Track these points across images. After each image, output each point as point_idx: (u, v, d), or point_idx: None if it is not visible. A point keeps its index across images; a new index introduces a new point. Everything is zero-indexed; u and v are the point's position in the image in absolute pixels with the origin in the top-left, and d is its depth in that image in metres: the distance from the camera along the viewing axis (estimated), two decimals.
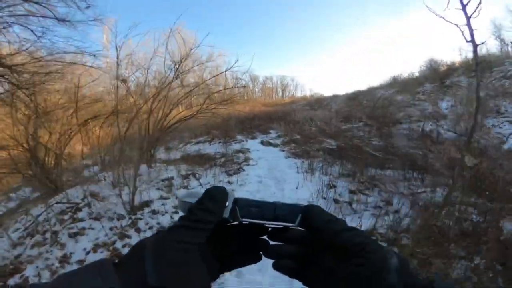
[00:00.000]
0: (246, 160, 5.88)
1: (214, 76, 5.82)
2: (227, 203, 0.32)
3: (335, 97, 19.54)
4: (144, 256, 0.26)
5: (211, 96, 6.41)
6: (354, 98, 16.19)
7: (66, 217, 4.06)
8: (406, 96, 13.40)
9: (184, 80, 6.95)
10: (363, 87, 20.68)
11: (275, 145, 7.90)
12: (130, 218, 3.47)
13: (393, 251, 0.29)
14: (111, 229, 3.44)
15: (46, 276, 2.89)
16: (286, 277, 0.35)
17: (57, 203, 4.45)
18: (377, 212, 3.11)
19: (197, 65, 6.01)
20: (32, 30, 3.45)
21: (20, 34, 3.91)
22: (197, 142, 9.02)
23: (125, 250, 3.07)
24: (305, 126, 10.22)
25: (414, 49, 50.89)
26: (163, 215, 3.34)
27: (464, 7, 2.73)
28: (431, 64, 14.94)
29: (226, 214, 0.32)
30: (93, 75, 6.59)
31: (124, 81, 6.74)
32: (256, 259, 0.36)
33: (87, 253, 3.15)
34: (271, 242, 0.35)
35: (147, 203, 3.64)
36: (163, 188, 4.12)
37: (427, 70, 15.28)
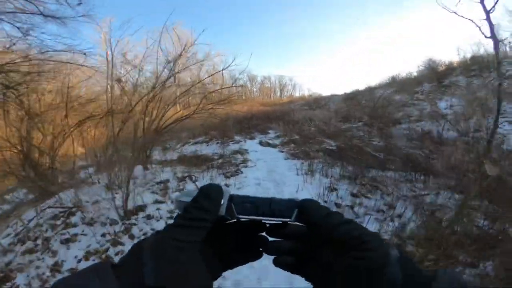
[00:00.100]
0: (244, 161, 5.75)
1: (211, 75, 5.67)
2: (222, 201, 0.31)
3: (333, 96, 19.49)
4: (142, 257, 0.26)
5: (209, 96, 6.25)
6: (353, 97, 16.15)
7: (58, 222, 3.93)
8: (404, 96, 13.36)
9: (181, 79, 6.81)
10: (361, 87, 20.66)
11: (274, 146, 7.78)
12: (123, 223, 3.34)
13: (392, 242, 0.29)
14: (103, 235, 3.30)
15: (36, 286, 2.78)
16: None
17: (49, 207, 4.31)
18: (380, 216, 3.00)
19: (194, 64, 5.86)
20: (18, 28, 3.28)
21: (10, 32, 3.76)
22: (195, 143, 8.88)
23: (118, 258, 2.94)
24: (304, 126, 10.12)
25: (414, 49, 51.02)
26: (157, 220, 3.20)
27: (482, 0, 2.58)
28: (429, 64, 14.89)
29: (222, 211, 0.31)
30: (87, 75, 6.44)
31: (119, 80, 6.59)
32: (257, 256, 0.35)
33: (79, 261, 3.02)
34: (270, 239, 0.35)
35: (141, 208, 3.50)
36: (158, 192, 3.98)
37: (425, 70, 15.25)
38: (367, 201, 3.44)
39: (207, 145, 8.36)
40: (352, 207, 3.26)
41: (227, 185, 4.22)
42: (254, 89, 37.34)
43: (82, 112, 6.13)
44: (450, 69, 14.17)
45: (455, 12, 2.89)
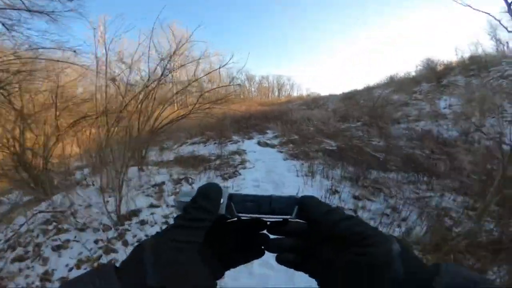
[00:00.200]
0: (243, 162, 5.62)
1: (208, 73, 5.51)
2: (222, 200, 0.31)
3: (331, 96, 19.46)
4: (143, 258, 0.26)
5: (207, 95, 6.08)
6: (351, 97, 16.12)
7: (50, 227, 3.78)
8: (403, 95, 13.33)
9: (176, 78, 6.65)
10: (359, 86, 20.64)
11: (272, 146, 7.66)
12: (116, 229, 3.19)
13: (394, 236, 0.28)
14: (96, 242, 3.15)
15: None
16: None
17: (40, 212, 4.15)
18: (385, 221, 2.89)
19: (190, 62, 5.69)
20: (3, 24, 3.11)
21: None
22: (192, 143, 8.73)
23: None
24: (303, 126, 10.02)
25: (414, 49, 51.14)
26: (152, 226, 3.05)
27: None
28: (428, 63, 14.88)
29: (222, 210, 0.31)
30: (80, 74, 6.27)
31: (114, 79, 6.42)
32: (259, 254, 0.35)
33: (70, 269, 2.88)
34: (272, 236, 0.35)
35: (135, 212, 3.35)
36: (153, 195, 3.83)
37: (423, 70, 15.24)
38: (370, 204, 3.33)
39: (205, 146, 8.22)
40: (355, 211, 3.15)
41: (224, 187, 4.06)
42: (252, 89, 37.29)
43: (77, 112, 5.99)
44: (449, 68, 14.16)
45: (469, 6, 2.75)
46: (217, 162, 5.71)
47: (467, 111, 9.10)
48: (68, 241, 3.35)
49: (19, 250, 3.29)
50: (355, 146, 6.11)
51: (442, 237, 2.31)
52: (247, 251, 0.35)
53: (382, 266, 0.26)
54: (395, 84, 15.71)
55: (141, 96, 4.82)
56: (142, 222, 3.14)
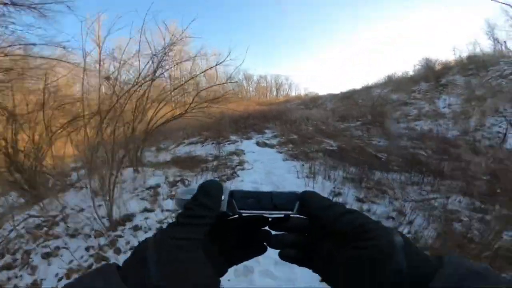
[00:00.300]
0: (241, 163, 5.46)
1: (204, 71, 5.30)
2: (223, 197, 0.31)
3: (330, 96, 19.41)
4: (146, 257, 0.26)
5: (203, 93, 5.88)
6: (349, 97, 16.08)
7: (40, 232, 3.60)
8: (401, 95, 13.28)
9: (173, 76, 6.46)
10: (357, 86, 20.59)
11: (271, 146, 7.51)
12: (108, 235, 3.01)
13: (396, 229, 0.28)
14: (87, 249, 2.98)
15: None
16: None
17: (30, 216, 3.96)
18: (391, 225, 2.75)
19: (186, 60, 5.50)
20: None
21: None
22: (190, 143, 8.56)
23: None
24: (302, 125, 9.90)
25: (414, 49, 51.35)
26: (146, 232, 2.88)
27: None
28: (426, 63, 14.85)
29: (224, 207, 0.31)
30: (73, 72, 6.08)
31: (108, 78, 6.23)
32: (261, 251, 0.35)
33: (60, 279, 2.71)
34: (274, 232, 0.34)
35: (128, 217, 3.18)
36: (148, 198, 3.65)
37: (422, 69, 15.20)
38: (375, 207, 3.19)
39: (202, 146, 8.05)
40: None
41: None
42: (250, 89, 37.17)
43: (71, 112, 5.82)
44: (447, 68, 14.14)
45: None
46: (215, 163, 5.55)
47: (467, 111, 9.05)
48: (58, 248, 3.18)
49: (8, 258, 3.13)
50: (356, 146, 5.99)
51: (458, 244, 2.17)
52: (249, 248, 0.35)
53: (384, 259, 0.25)
54: (393, 83, 15.67)
55: (134, 95, 4.63)
56: (136, 228, 2.97)
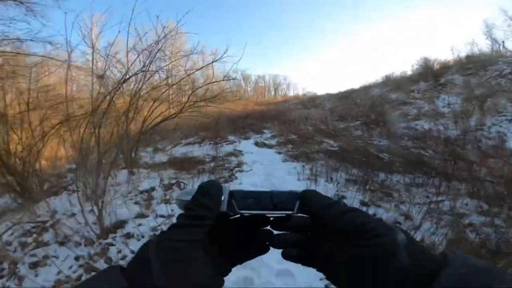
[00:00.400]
0: (239, 164, 5.28)
1: (200, 68, 5.09)
2: (223, 197, 0.31)
3: (328, 95, 19.34)
4: (146, 257, 0.26)
5: (199, 92, 5.65)
6: (347, 96, 16.03)
7: (29, 239, 3.39)
8: (400, 94, 13.20)
9: (168, 74, 6.26)
10: (355, 85, 20.54)
11: (270, 146, 7.36)
12: (99, 243, 2.82)
13: (398, 227, 0.28)
14: (77, 258, 2.78)
15: None
16: None
17: (18, 223, 3.76)
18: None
19: (182, 57, 5.29)
20: None
21: None
22: (187, 144, 8.37)
23: None
24: (301, 125, 9.76)
25: (414, 49, 51.43)
26: (138, 240, 2.70)
27: None
28: (425, 62, 14.80)
29: (224, 208, 0.31)
30: (71, 71, 5.88)
31: (101, 77, 6.02)
32: (263, 250, 0.35)
33: None
34: (275, 232, 0.34)
35: (121, 224, 2.99)
36: (142, 202, 3.46)
37: (420, 69, 15.15)
38: (381, 211, 3.04)
39: (200, 146, 7.86)
40: None
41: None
42: (248, 89, 37.01)
43: (65, 112, 5.63)
44: (446, 67, 14.10)
45: None
46: (212, 164, 5.37)
47: (467, 110, 8.97)
48: (46, 257, 2.99)
49: None
50: (358, 147, 5.84)
51: (476, 254, 2.03)
52: (251, 248, 0.35)
53: (387, 257, 0.25)
54: (391, 83, 15.60)
55: (127, 93, 4.43)
56: (128, 236, 2.78)
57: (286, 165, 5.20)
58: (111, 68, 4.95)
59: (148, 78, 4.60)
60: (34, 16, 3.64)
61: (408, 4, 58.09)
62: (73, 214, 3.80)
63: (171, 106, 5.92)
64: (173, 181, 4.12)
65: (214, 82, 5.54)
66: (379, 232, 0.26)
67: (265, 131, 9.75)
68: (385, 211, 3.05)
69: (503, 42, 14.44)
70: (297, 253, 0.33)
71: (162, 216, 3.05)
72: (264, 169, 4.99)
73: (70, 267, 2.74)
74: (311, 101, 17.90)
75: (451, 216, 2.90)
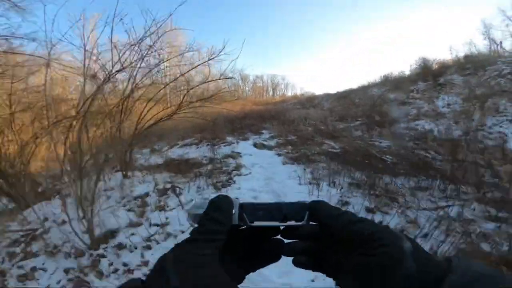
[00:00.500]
0: (238, 167, 5.11)
1: (195, 66, 4.88)
2: (233, 210, 0.32)
3: (326, 95, 19.23)
4: (165, 267, 0.26)
5: (194, 91, 5.44)
6: (346, 96, 15.93)
7: (18, 249, 3.20)
8: (399, 94, 13.11)
9: (168, 72, 6.07)
10: (354, 86, 20.44)
11: (270, 148, 7.19)
12: (90, 254, 2.64)
13: (404, 234, 0.28)
14: (66, 271, 2.60)
15: None
16: None
17: (6, 231, 3.55)
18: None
19: (177, 55, 5.09)
20: None
21: None
22: (184, 145, 8.18)
23: None
24: (300, 125, 9.61)
25: (414, 49, 51.30)
26: (131, 251, 2.52)
27: None
28: (423, 62, 14.72)
29: (235, 221, 0.32)
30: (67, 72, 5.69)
31: (93, 77, 5.82)
32: (275, 259, 0.35)
33: None
34: (286, 241, 0.35)
35: (112, 233, 2.80)
36: (135, 209, 3.28)
37: (419, 69, 15.08)
38: (387, 218, 2.89)
39: (197, 148, 7.68)
40: None
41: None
42: (247, 89, 36.78)
43: (58, 112, 5.44)
44: (445, 67, 14.04)
45: None
46: (209, 167, 5.19)
47: (467, 110, 8.89)
48: (35, 269, 2.80)
49: None
50: (360, 148, 5.70)
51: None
52: (263, 256, 0.35)
53: (393, 265, 0.25)
54: (390, 83, 15.52)
55: (119, 93, 4.23)
56: (120, 246, 2.60)
57: (286, 168, 5.04)
58: (100, 66, 4.75)
59: (141, 78, 4.42)
60: (16, 12, 3.42)
61: (408, 4, 58.14)
62: (64, 222, 3.61)
63: (169, 105, 5.71)
64: (168, 185, 3.94)
65: (210, 81, 5.36)
66: (386, 241, 0.26)
67: (263, 131, 9.58)
68: (391, 217, 2.90)
69: (501, 42, 14.42)
70: (306, 260, 0.34)
71: (156, 224, 2.87)
72: (264, 173, 4.82)
73: (59, 281, 2.56)
74: (309, 101, 17.78)
75: (459, 222, 2.77)
